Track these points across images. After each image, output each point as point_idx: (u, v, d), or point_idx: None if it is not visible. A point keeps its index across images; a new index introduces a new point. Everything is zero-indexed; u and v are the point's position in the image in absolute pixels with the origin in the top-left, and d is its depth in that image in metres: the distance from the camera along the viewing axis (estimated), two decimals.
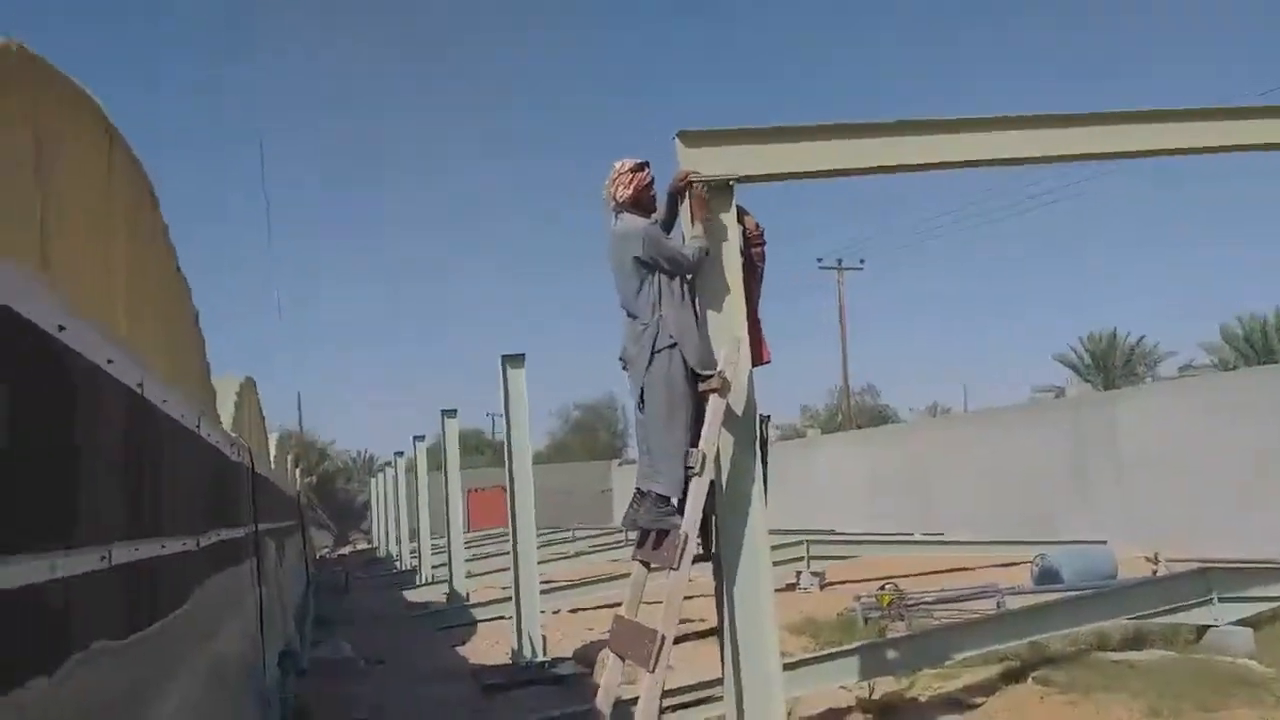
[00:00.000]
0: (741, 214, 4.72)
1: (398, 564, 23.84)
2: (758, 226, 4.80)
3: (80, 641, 1.95)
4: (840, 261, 38.20)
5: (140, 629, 2.54)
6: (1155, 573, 10.89)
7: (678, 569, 4.39)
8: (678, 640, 4.94)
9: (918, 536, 16.86)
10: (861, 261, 38.74)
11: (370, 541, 38.10)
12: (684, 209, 4.63)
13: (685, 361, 4.48)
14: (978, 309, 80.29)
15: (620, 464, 44.82)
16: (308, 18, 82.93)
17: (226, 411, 6.10)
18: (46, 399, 1.88)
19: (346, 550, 38.15)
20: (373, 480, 37.51)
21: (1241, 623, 7.70)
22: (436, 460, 19.26)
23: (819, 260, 38.47)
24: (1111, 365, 35.68)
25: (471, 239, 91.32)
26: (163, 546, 2.99)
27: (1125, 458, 16.17)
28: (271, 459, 11.66)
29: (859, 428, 37.35)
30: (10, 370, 1.64)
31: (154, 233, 3.17)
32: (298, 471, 23.07)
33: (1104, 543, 13.06)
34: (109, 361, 2.27)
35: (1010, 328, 79.76)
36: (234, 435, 5.75)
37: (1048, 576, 11.14)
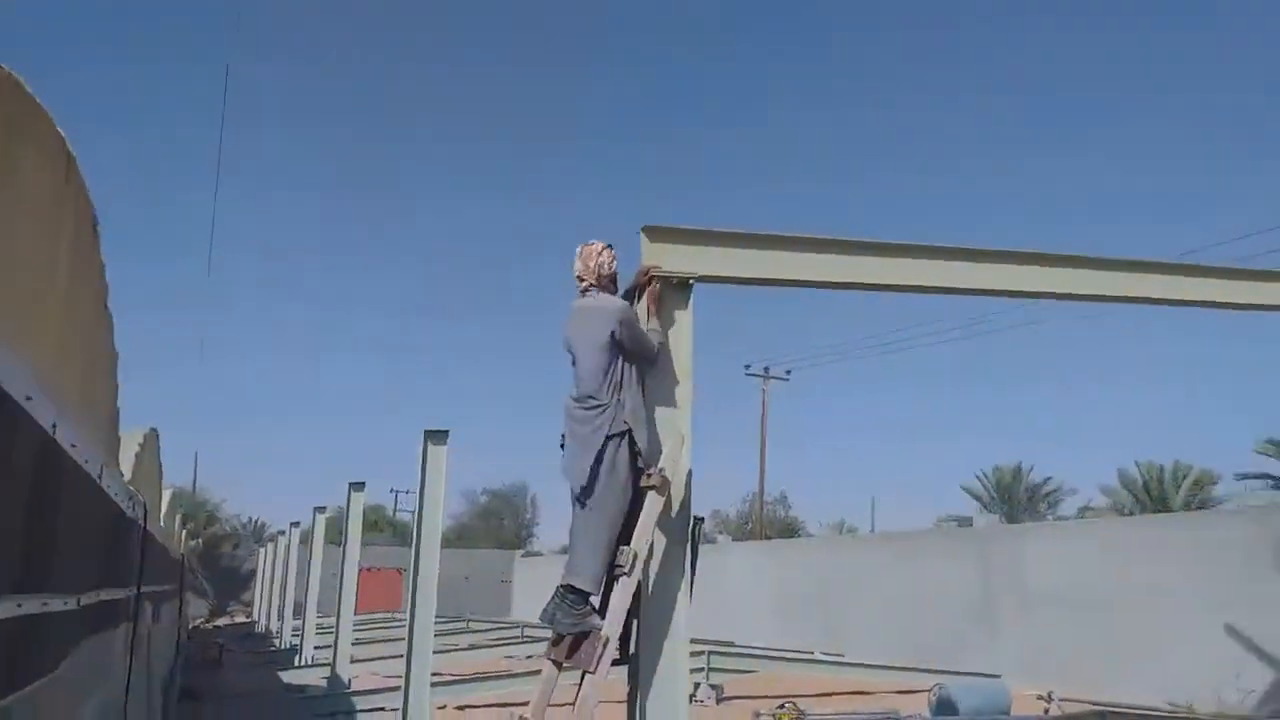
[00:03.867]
0: None
1: (277, 640, 22.52)
2: None
3: None
4: (767, 370, 38.75)
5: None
6: (1047, 711, 10.99)
7: (594, 672, 4.19)
8: None
9: (818, 655, 16.71)
10: (788, 372, 39.30)
11: (250, 614, 36.01)
12: (641, 303, 4.62)
13: (631, 452, 4.37)
14: (891, 429, 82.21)
15: (524, 555, 43.72)
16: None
17: (127, 463, 5.73)
18: None
19: (223, 621, 35.93)
20: (261, 549, 35.71)
21: None
22: (334, 534, 18.41)
23: (746, 367, 39.01)
24: (1016, 499, 36.62)
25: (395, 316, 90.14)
26: (45, 604, 2.71)
27: (1030, 594, 16.41)
28: (162, 517, 11.00)
29: (768, 538, 37.38)
30: None
31: (91, 267, 2.97)
32: (184, 533, 21.84)
33: (998, 677, 13.15)
34: (28, 399, 2.08)
35: (919, 451, 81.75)
36: (132, 489, 5.38)
37: (945, 707, 11.13)
